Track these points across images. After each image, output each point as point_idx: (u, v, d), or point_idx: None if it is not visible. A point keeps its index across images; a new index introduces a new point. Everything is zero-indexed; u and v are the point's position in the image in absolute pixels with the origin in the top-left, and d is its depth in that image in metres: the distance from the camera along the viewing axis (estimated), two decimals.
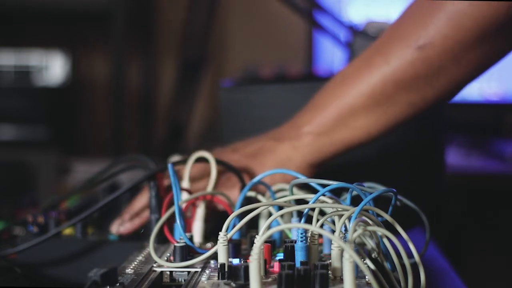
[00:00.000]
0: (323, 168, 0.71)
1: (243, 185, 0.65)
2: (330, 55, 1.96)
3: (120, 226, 0.64)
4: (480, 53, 0.65)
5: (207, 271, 0.50)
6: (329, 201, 0.52)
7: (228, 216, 0.51)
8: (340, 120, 0.68)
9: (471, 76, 0.67)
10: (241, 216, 0.51)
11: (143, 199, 0.67)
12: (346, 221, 0.48)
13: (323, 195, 0.51)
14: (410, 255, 0.48)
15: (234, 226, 0.52)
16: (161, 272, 0.51)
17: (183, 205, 0.58)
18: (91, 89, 2.39)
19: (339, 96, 0.68)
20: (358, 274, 0.46)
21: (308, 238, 0.49)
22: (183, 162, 0.65)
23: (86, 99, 2.39)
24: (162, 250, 0.56)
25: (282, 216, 0.57)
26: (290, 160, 0.68)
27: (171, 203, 0.58)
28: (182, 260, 0.51)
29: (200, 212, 0.61)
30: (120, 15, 2.03)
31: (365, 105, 0.67)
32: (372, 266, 0.48)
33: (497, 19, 0.62)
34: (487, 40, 0.64)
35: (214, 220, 0.62)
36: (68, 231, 0.64)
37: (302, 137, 0.69)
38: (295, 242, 0.49)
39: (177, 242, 0.52)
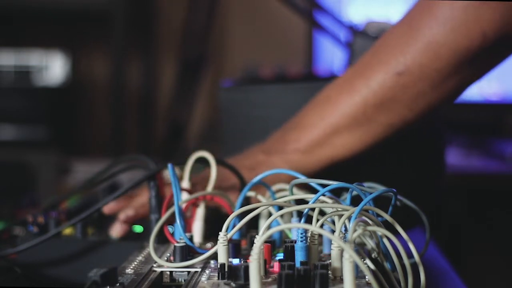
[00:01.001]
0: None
1: (243, 186, 0.65)
2: (330, 55, 1.96)
3: (111, 230, 0.65)
4: (457, 79, 0.68)
5: (207, 271, 0.50)
6: (329, 201, 0.52)
7: (228, 216, 0.51)
8: (325, 139, 0.72)
9: (449, 99, 0.70)
10: (241, 216, 0.51)
11: (142, 198, 0.67)
12: (346, 221, 0.48)
13: (323, 195, 0.51)
14: (410, 255, 0.48)
15: (234, 226, 0.52)
16: (161, 272, 0.51)
17: (183, 205, 0.58)
18: (91, 89, 2.39)
19: (324, 116, 0.72)
20: (358, 274, 0.46)
21: (308, 238, 0.49)
22: (183, 162, 0.65)
23: (86, 99, 2.39)
24: (162, 250, 0.56)
25: (282, 216, 0.57)
26: None
27: (171, 203, 0.58)
28: (182, 260, 0.51)
29: (200, 212, 0.61)
30: (120, 15, 2.03)
31: (348, 125, 0.71)
32: (372, 266, 0.48)
33: (472, 49, 0.65)
34: (463, 68, 0.67)
35: (214, 220, 0.62)
36: (68, 231, 0.64)
37: (290, 153, 0.72)
38: (295, 242, 0.49)
39: (177, 242, 0.52)
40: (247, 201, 0.59)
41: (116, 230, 0.64)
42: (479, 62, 0.67)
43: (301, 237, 0.48)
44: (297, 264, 0.47)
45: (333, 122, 0.71)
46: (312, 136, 0.72)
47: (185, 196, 0.62)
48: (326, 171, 0.72)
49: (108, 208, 0.66)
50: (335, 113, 0.71)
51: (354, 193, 0.52)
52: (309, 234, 0.49)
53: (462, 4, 0.64)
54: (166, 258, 0.53)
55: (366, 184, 0.57)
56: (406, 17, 0.70)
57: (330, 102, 0.72)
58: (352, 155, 0.72)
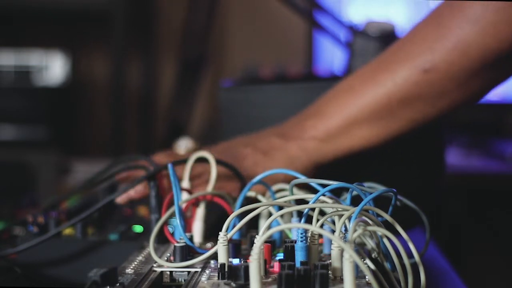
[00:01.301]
0: (324, 168, 0.72)
1: (243, 185, 0.65)
2: (330, 55, 1.96)
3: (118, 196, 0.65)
4: (482, 79, 0.68)
5: (207, 271, 0.50)
6: (329, 201, 0.52)
7: (228, 216, 0.51)
8: (344, 129, 0.71)
9: (472, 99, 0.71)
10: (241, 216, 0.51)
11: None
12: (346, 221, 0.48)
13: (323, 195, 0.51)
14: (410, 255, 0.48)
15: (234, 226, 0.52)
16: (161, 272, 0.51)
17: (183, 205, 0.58)
18: (91, 89, 2.39)
19: (345, 106, 0.71)
20: (358, 274, 0.46)
21: (308, 238, 0.49)
22: (183, 162, 0.65)
23: (86, 99, 2.39)
24: (162, 250, 0.56)
25: (282, 216, 0.57)
26: (298, 158, 0.71)
27: (171, 203, 0.58)
28: (182, 260, 0.51)
29: (200, 212, 0.61)
30: (120, 15, 2.03)
31: (369, 117, 0.70)
32: (372, 266, 0.48)
33: (501, 50, 0.65)
34: (490, 68, 0.67)
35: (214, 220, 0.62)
36: (68, 231, 0.64)
37: (307, 141, 0.72)
38: (295, 242, 0.49)
39: (177, 242, 0.52)
40: (247, 201, 0.59)
41: (122, 197, 0.65)
42: (506, 64, 0.67)
43: (301, 237, 0.48)
44: (297, 264, 0.47)
45: (354, 112, 0.71)
46: (331, 124, 0.71)
47: (185, 196, 0.62)
48: (329, 168, 0.72)
49: (120, 176, 0.66)
50: (356, 104, 0.71)
51: (354, 193, 0.52)
52: (309, 234, 0.49)
53: (494, 5, 0.64)
54: (166, 258, 0.53)
55: (366, 184, 0.57)
56: (435, 13, 0.70)
57: (352, 92, 0.71)
58: (370, 148, 0.72)
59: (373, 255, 0.51)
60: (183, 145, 0.78)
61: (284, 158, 0.71)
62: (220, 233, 0.49)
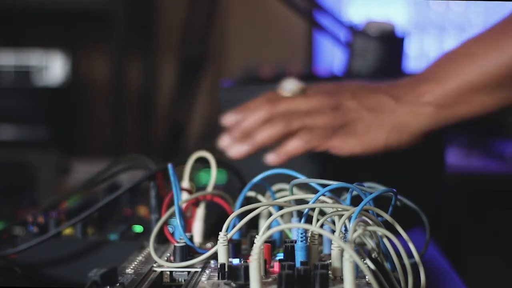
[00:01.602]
0: (324, 167, 0.72)
1: (243, 185, 0.65)
2: (330, 55, 1.96)
3: (231, 148, 0.64)
4: None
5: (207, 271, 0.50)
6: (329, 201, 0.52)
7: (228, 216, 0.51)
8: (462, 95, 0.69)
9: None
10: (241, 216, 0.51)
11: (253, 117, 0.67)
12: (346, 221, 0.48)
13: (323, 195, 0.51)
14: (410, 255, 0.48)
15: (234, 226, 0.52)
16: (161, 272, 0.51)
17: (183, 205, 0.58)
18: (91, 89, 2.39)
19: (463, 71, 0.69)
20: (358, 274, 0.46)
21: (308, 238, 0.49)
22: (183, 162, 0.65)
23: (86, 99, 2.39)
24: (162, 250, 0.56)
25: (282, 216, 0.57)
26: (408, 126, 0.70)
27: (171, 203, 0.58)
28: (182, 260, 0.51)
29: (200, 212, 0.61)
30: (120, 15, 2.03)
31: (488, 84, 0.68)
32: (372, 266, 0.48)
33: None
34: None
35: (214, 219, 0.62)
36: (68, 231, 0.64)
37: (422, 106, 0.70)
38: (295, 242, 0.49)
39: (177, 242, 0.52)
40: (247, 200, 0.59)
41: (239, 150, 0.65)
42: None
43: (301, 237, 0.48)
44: (297, 264, 0.47)
45: (474, 78, 0.68)
46: (450, 89, 0.69)
47: (185, 196, 0.62)
48: (328, 168, 0.71)
49: (227, 120, 0.67)
50: (477, 69, 0.68)
51: (354, 193, 0.52)
52: (309, 234, 0.49)
53: None
54: (166, 258, 0.53)
55: (366, 184, 0.57)
56: None
57: (473, 58, 0.69)
58: (484, 114, 0.70)
59: (373, 255, 0.51)
60: (288, 86, 0.73)
61: (393, 122, 0.69)
62: (220, 233, 0.49)
